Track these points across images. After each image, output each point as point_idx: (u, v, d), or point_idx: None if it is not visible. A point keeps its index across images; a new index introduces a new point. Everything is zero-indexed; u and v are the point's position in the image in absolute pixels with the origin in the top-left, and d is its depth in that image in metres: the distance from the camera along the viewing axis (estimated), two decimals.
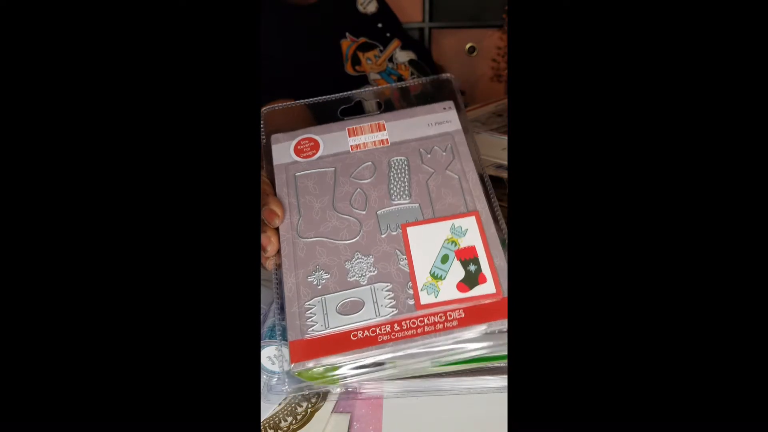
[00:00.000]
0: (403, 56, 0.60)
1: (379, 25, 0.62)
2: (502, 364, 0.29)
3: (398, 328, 0.30)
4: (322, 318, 0.30)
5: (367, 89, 0.41)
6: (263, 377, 0.32)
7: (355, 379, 0.30)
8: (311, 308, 0.31)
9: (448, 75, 0.39)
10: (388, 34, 0.62)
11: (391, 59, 0.61)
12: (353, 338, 0.29)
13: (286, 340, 0.30)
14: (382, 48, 0.62)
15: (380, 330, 0.30)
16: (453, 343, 0.29)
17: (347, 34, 0.60)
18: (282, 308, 0.31)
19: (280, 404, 0.32)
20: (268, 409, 0.32)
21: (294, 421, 0.31)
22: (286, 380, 0.30)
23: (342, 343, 0.29)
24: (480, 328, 0.29)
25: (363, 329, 0.30)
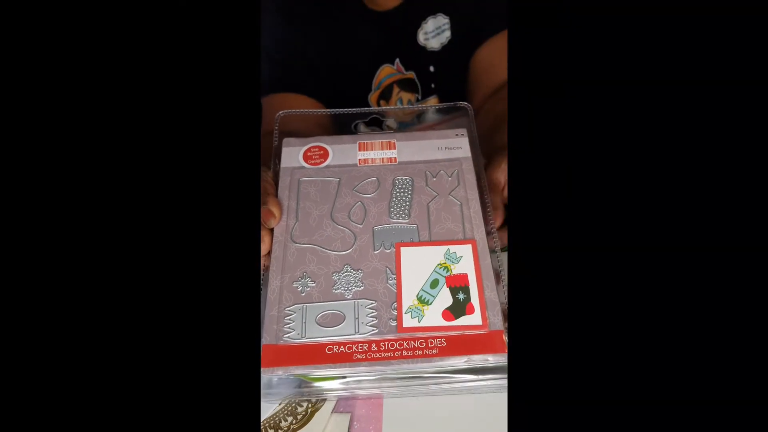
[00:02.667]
0: (433, 119, 0.51)
1: (432, 68, 0.52)
2: (501, 364, 0.28)
3: (375, 348, 0.28)
4: (300, 326, 0.29)
5: (388, 107, 0.41)
6: (263, 377, 0.31)
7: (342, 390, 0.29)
8: (291, 314, 0.30)
9: (466, 104, 0.39)
10: (433, 85, 0.52)
11: (420, 116, 0.51)
12: (328, 351, 0.28)
13: None
14: (419, 97, 0.53)
15: (357, 348, 0.28)
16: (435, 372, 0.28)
17: (397, 60, 0.51)
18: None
19: (280, 404, 0.31)
20: (268, 409, 0.31)
21: (294, 421, 0.30)
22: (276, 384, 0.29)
23: (316, 354, 0.28)
24: (460, 360, 0.28)
25: (339, 344, 0.29)
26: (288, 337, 0.29)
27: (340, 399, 0.31)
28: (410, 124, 0.54)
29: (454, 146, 0.37)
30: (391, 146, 0.37)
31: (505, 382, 0.28)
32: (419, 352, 0.28)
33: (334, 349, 0.28)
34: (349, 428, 0.30)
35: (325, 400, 0.31)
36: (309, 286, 0.31)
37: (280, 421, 0.30)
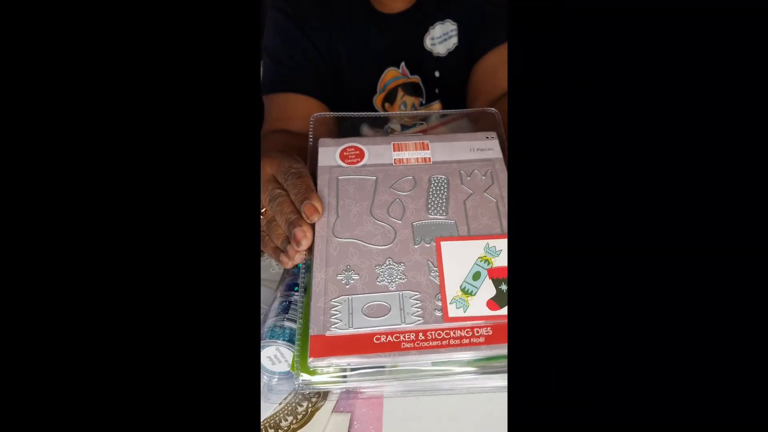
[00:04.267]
0: (435, 122, 0.50)
1: (437, 73, 0.52)
2: (501, 364, 0.29)
3: (423, 337, 0.29)
4: (347, 317, 0.30)
5: (406, 112, 0.42)
6: (263, 377, 0.31)
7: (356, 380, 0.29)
8: (337, 306, 0.30)
9: (493, 109, 0.41)
10: (437, 90, 0.52)
11: (425, 119, 0.51)
12: (376, 341, 0.29)
13: (283, 340, 0.29)
14: (423, 101, 0.53)
15: (405, 337, 0.29)
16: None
17: (402, 64, 0.51)
18: (289, 287, 0.31)
19: (280, 404, 0.31)
20: (268, 409, 0.31)
21: (294, 421, 0.30)
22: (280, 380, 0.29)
23: (364, 344, 0.29)
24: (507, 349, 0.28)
25: (387, 333, 0.29)
26: (335, 327, 0.29)
27: (340, 399, 0.31)
28: (413, 126, 0.53)
29: (486, 148, 0.38)
30: (424, 147, 0.38)
31: (505, 382, 0.29)
32: (466, 341, 0.29)
33: (382, 339, 0.29)
34: (349, 428, 0.30)
35: (325, 400, 0.31)
36: (353, 279, 0.31)
37: (280, 421, 0.30)
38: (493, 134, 0.39)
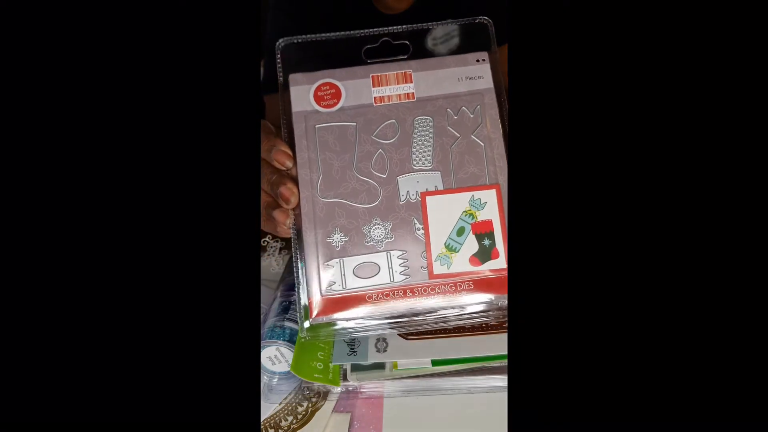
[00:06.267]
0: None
1: None
2: (502, 364, 0.31)
3: (411, 294, 0.32)
4: (340, 278, 0.32)
5: (394, 28, 0.36)
6: (263, 377, 0.33)
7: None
8: (330, 268, 0.33)
9: (486, 18, 0.35)
10: None
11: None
12: (368, 300, 0.32)
13: (283, 340, 0.31)
14: None
15: (394, 294, 0.32)
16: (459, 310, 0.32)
17: None
18: (289, 287, 0.33)
19: (280, 404, 0.32)
20: (268, 409, 0.31)
21: (294, 421, 0.31)
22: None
23: (358, 303, 0.32)
24: (487, 297, 0.31)
25: (378, 292, 0.32)
26: (331, 288, 0.32)
27: (340, 399, 0.32)
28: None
29: (476, 75, 0.34)
30: (407, 79, 0.34)
31: (505, 382, 0.30)
32: (449, 296, 0.32)
33: (374, 297, 0.32)
34: (349, 428, 0.30)
35: (325, 400, 0.32)
36: (343, 241, 0.33)
37: (280, 421, 0.31)
38: (484, 56, 0.34)
